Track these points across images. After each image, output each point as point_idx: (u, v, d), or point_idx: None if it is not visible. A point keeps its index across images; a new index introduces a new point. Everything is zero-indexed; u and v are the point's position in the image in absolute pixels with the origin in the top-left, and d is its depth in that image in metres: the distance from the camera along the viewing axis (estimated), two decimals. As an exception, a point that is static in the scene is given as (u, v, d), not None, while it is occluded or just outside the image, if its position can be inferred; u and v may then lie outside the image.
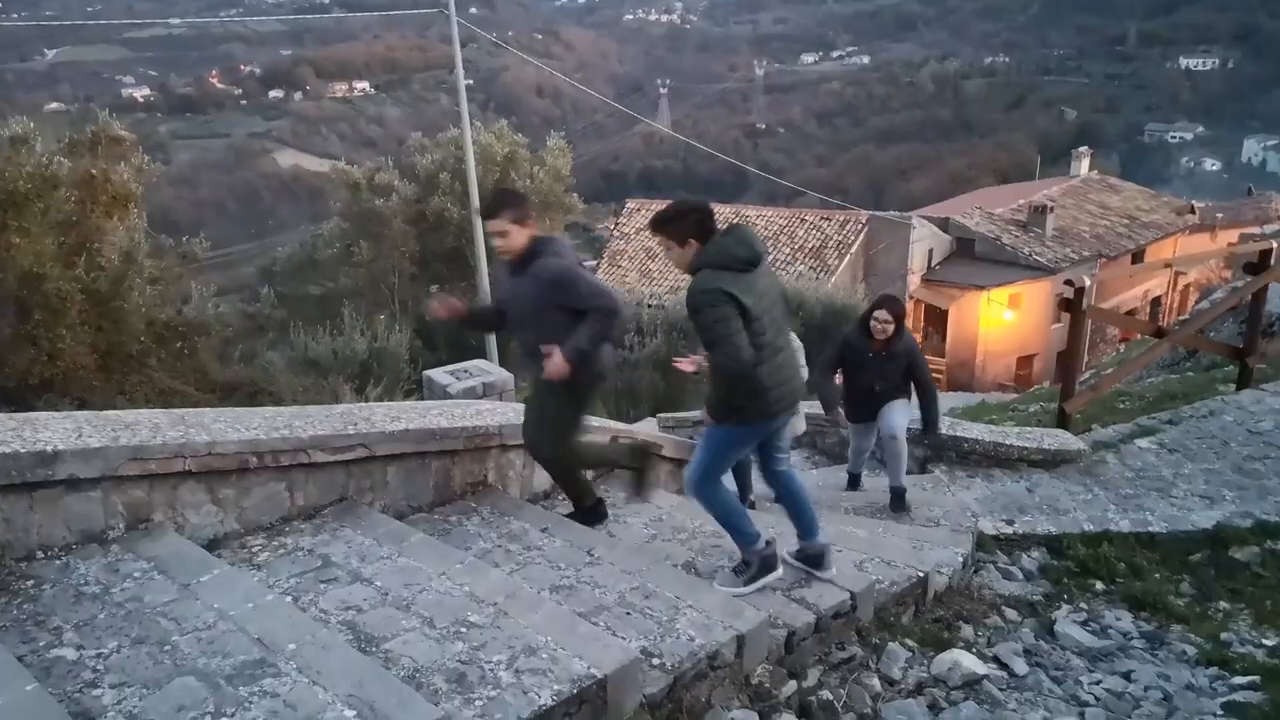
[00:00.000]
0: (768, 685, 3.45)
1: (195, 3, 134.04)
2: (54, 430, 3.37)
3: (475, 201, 18.92)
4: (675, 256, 3.78)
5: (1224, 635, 4.46)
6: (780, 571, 4.02)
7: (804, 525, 4.16)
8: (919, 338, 28.12)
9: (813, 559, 4.15)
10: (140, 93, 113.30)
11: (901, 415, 5.82)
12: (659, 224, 3.78)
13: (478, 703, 2.74)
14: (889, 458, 5.85)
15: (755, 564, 3.98)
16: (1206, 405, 7.61)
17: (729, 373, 3.61)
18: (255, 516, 3.85)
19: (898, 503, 5.87)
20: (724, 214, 30.97)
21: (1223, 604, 4.89)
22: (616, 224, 33.92)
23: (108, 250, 11.25)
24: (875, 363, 5.78)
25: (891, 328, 5.64)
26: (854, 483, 6.61)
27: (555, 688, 2.82)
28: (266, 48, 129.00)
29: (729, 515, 4.00)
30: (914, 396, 5.89)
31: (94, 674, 2.64)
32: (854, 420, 6.13)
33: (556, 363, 4.06)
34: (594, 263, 30.88)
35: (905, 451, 5.83)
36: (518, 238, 4.17)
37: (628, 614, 3.47)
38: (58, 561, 3.22)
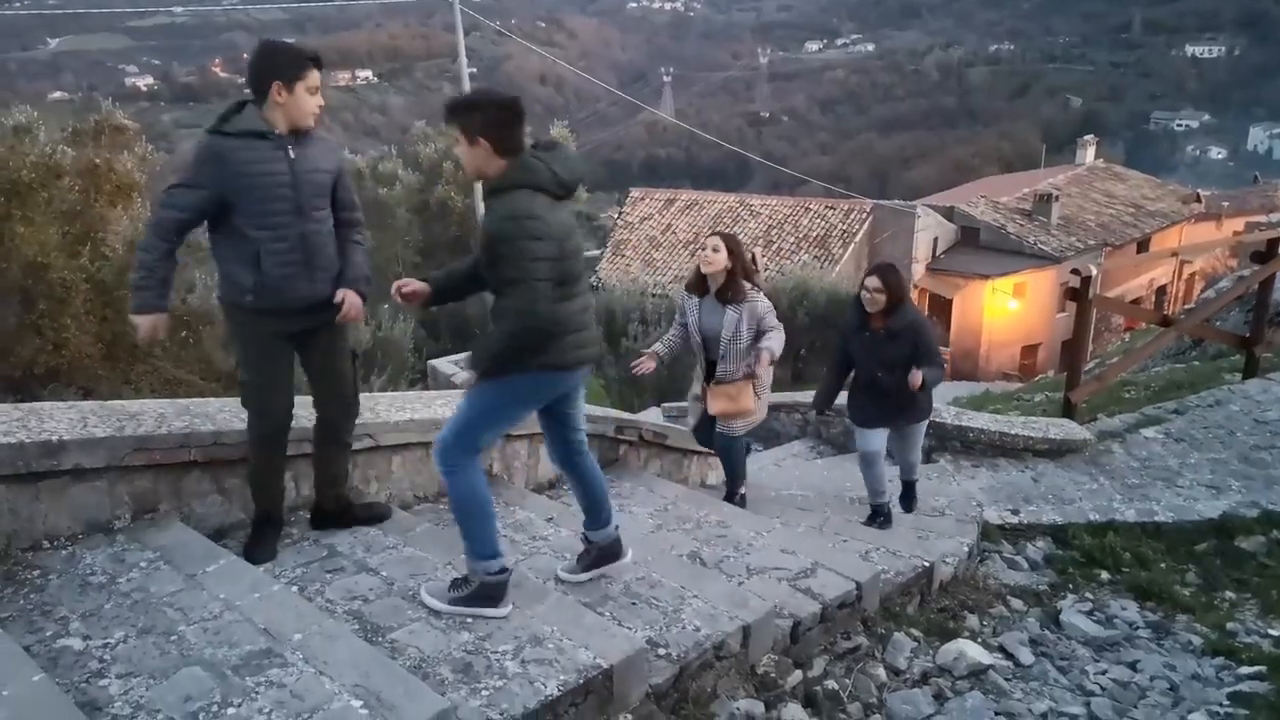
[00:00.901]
0: (773, 675, 3.45)
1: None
2: (59, 420, 3.36)
3: (480, 191, 18.90)
4: (464, 156, 3.10)
5: (1230, 625, 4.45)
6: (503, 613, 3.14)
7: (600, 514, 3.59)
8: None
9: (608, 551, 3.62)
10: (143, 81, 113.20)
11: (918, 451, 5.30)
12: (451, 110, 3.09)
13: (484, 693, 2.74)
14: (902, 468, 5.42)
15: (474, 586, 3.15)
16: (1213, 395, 7.60)
17: (521, 324, 2.96)
18: (261, 506, 3.85)
19: (907, 498, 5.49)
20: (728, 203, 31.12)
21: (1229, 594, 4.89)
22: (620, 213, 33.87)
23: (112, 240, 11.22)
24: (874, 345, 4.90)
25: (883, 298, 4.75)
26: (877, 516, 5.27)
27: (561, 678, 2.82)
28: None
29: (472, 507, 3.17)
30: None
31: (101, 664, 2.64)
32: (859, 423, 5.16)
33: (355, 302, 3.44)
34: (597, 252, 30.84)
35: (919, 470, 5.50)
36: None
37: (633, 604, 3.47)
38: (64, 551, 3.22)
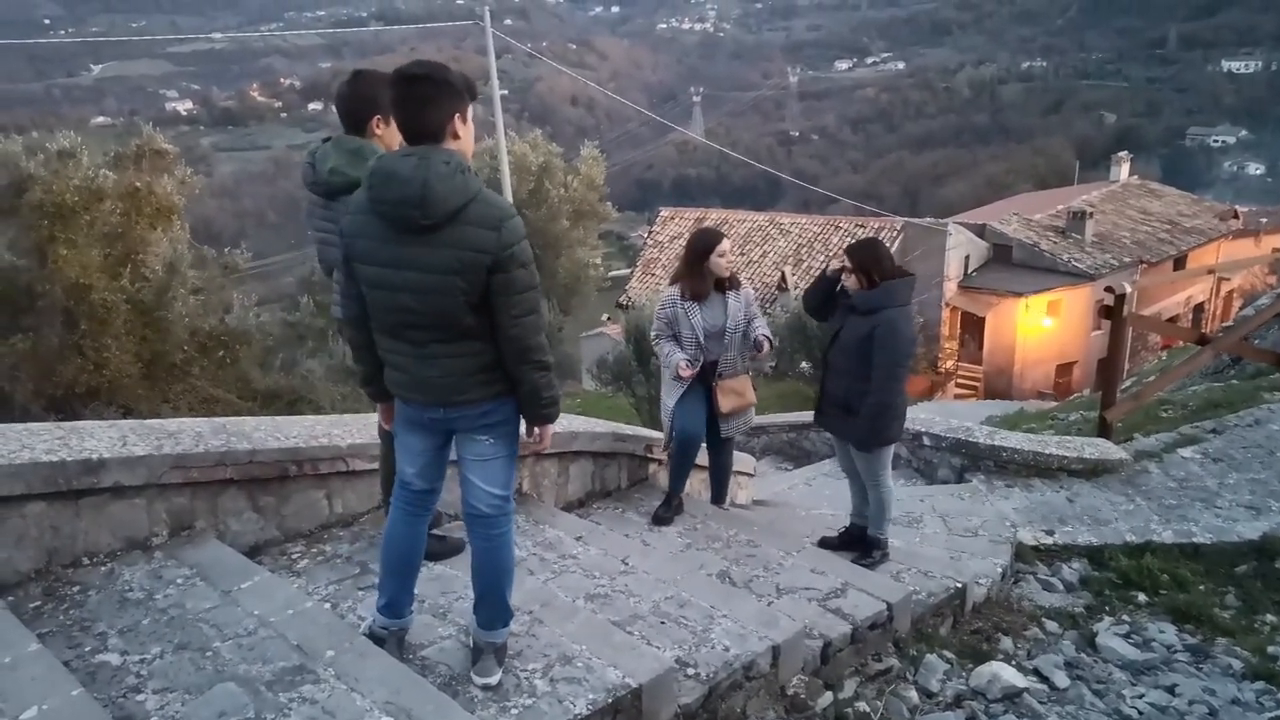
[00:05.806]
0: (804, 696, 3.43)
1: (236, 17, 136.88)
2: (100, 438, 3.43)
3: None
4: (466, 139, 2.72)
5: (1271, 649, 4.37)
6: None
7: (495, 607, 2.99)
8: (955, 345, 28.00)
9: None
10: (183, 106, 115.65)
11: (877, 458, 4.56)
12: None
13: (513, 711, 2.75)
14: (870, 505, 4.74)
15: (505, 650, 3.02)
16: (1252, 414, 7.47)
17: (543, 348, 2.75)
18: (295, 524, 3.89)
19: (865, 549, 4.71)
20: (758, 222, 31.12)
21: (1269, 617, 4.79)
22: (650, 232, 33.99)
23: (152, 261, 11.46)
24: (842, 316, 4.52)
25: (854, 281, 4.39)
26: (848, 540, 4.89)
27: (590, 697, 2.82)
28: (306, 61, 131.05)
29: (512, 568, 3.03)
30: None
31: (137, 679, 2.68)
32: (818, 421, 4.87)
33: None
34: (628, 271, 30.91)
35: (890, 501, 4.67)
36: None
37: (662, 623, 3.47)
38: (103, 568, 3.27)
